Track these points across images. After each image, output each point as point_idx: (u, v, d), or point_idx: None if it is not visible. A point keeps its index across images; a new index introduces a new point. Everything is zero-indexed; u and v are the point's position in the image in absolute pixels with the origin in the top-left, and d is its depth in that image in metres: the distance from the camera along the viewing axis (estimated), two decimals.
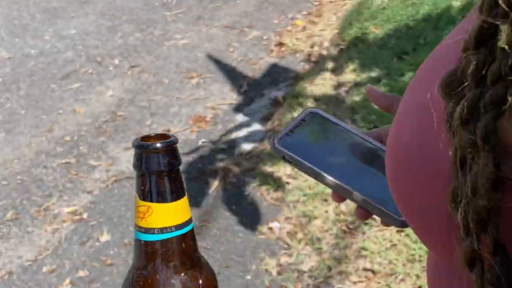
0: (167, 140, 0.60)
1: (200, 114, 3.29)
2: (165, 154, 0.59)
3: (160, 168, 0.59)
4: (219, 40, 4.02)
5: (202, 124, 3.21)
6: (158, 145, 0.59)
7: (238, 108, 3.32)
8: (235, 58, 3.81)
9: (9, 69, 3.75)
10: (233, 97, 3.42)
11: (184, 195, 0.60)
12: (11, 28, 4.23)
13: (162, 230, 0.59)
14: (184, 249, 0.60)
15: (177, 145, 0.60)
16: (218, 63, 3.77)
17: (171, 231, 0.59)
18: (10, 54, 3.91)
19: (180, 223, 0.59)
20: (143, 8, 4.47)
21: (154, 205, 0.58)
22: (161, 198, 0.58)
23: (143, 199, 0.58)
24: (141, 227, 0.59)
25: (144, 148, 0.59)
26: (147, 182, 0.59)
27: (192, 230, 0.61)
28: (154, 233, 0.59)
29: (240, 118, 3.24)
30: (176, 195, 0.59)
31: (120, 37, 4.09)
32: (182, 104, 3.38)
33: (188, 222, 0.60)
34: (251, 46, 3.94)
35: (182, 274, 0.60)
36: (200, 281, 0.60)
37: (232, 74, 3.65)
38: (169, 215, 0.58)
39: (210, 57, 3.82)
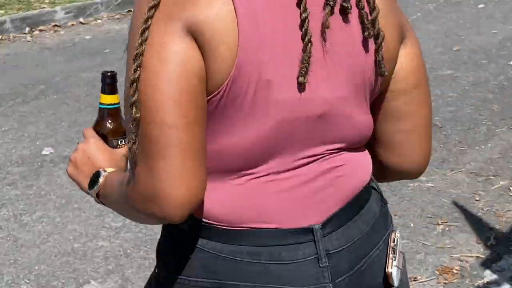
0: (110, 72, 1.36)
1: (446, 265, 3.32)
2: (108, 77, 1.36)
3: (105, 82, 1.36)
4: (464, 187, 4.06)
5: (449, 276, 3.23)
6: (107, 74, 1.36)
7: (485, 263, 3.31)
8: (480, 208, 3.82)
9: None
10: (480, 250, 3.42)
11: (115, 94, 1.37)
12: None
13: (103, 104, 1.37)
14: (111, 113, 1.37)
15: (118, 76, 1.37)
16: (463, 211, 3.79)
17: (106, 105, 1.37)
18: None
19: (110, 103, 1.36)
20: None
21: (102, 95, 1.37)
22: (104, 92, 1.37)
23: (100, 92, 1.37)
24: (99, 102, 1.38)
25: (103, 75, 1.36)
26: (101, 86, 1.37)
27: (116, 108, 1.37)
28: (102, 105, 1.37)
29: (488, 275, 3.22)
30: (110, 93, 1.36)
31: None
32: (428, 252, 3.43)
33: (114, 104, 1.37)
34: (498, 196, 3.93)
35: (110, 120, 1.37)
36: (117, 123, 1.37)
37: (478, 225, 3.66)
38: (106, 99, 1.37)
39: (456, 204, 3.86)
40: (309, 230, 1.16)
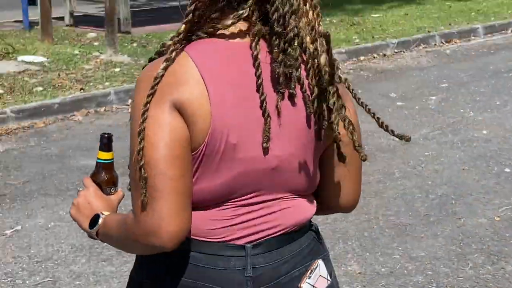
0: (107, 134, 1.69)
1: None
2: (105, 137, 1.68)
3: (102, 141, 1.69)
4: None
5: None
6: (105, 135, 1.68)
7: None
8: None
9: (360, 286, 3.86)
10: None
11: (110, 151, 1.69)
12: (362, 241, 4.38)
13: (100, 159, 1.69)
14: (105, 167, 1.69)
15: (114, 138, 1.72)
16: None
17: (102, 160, 1.70)
18: (361, 269, 4.03)
19: (105, 158, 1.69)
20: (494, 238, 4.40)
21: (99, 151, 1.70)
22: (101, 149, 1.70)
23: (98, 149, 1.70)
24: (97, 157, 1.71)
25: (101, 136, 1.69)
26: (99, 145, 1.69)
27: (110, 163, 1.70)
28: (99, 160, 1.70)
29: None
30: (106, 150, 1.69)
31: (471, 267, 4.03)
32: None
33: (109, 160, 1.69)
34: None
35: (104, 172, 1.69)
36: (110, 175, 1.70)
37: None
38: (102, 155, 1.70)
39: None
40: (242, 247, 1.56)
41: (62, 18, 12.08)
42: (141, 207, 1.44)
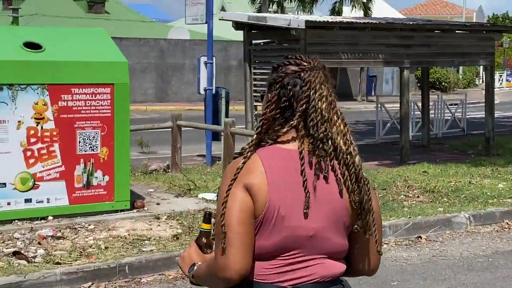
0: (209, 211, 2.52)
1: None
2: (207, 214, 2.50)
3: (205, 216, 2.52)
4: None
5: None
6: (207, 212, 2.52)
7: None
8: None
9: None
10: None
11: (209, 223, 2.50)
12: None
13: (202, 229, 2.50)
14: (205, 235, 2.47)
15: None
16: None
17: (203, 229, 2.50)
18: None
19: (205, 228, 2.50)
20: None
21: (203, 223, 2.52)
22: (204, 222, 2.51)
23: (202, 221, 2.52)
24: (200, 227, 2.54)
25: (204, 212, 2.58)
26: (203, 219, 2.52)
27: (208, 232, 2.48)
28: (202, 229, 2.51)
29: None
30: (207, 222, 2.50)
31: None
32: None
33: (208, 229, 2.49)
34: None
35: (203, 238, 2.47)
36: (208, 240, 2.48)
37: None
38: (204, 226, 2.49)
39: None
40: None
41: None
42: (220, 251, 2.24)
